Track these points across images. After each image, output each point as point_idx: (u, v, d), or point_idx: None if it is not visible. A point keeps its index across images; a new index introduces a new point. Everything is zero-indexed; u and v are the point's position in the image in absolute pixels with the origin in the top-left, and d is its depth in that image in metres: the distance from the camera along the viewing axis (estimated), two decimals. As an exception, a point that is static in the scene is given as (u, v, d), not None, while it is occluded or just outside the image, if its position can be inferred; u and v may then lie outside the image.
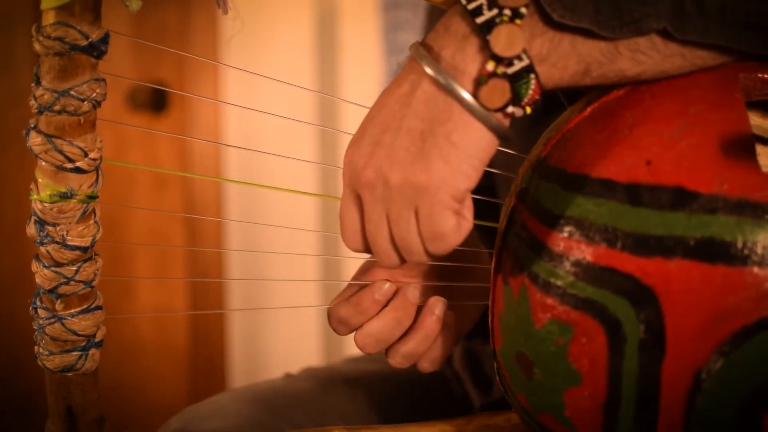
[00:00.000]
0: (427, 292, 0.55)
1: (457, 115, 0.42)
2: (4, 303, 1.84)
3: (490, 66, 0.41)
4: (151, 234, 1.92)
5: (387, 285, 0.52)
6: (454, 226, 0.44)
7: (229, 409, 0.69)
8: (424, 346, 0.53)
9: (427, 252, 0.46)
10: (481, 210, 0.63)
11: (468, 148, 0.42)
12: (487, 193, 0.66)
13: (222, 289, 1.93)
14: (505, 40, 0.41)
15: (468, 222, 0.45)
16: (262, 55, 1.81)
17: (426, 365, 0.55)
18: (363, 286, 0.54)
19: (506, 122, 0.43)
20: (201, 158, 1.89)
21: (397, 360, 0.54)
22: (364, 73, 1.81)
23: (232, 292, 1.93)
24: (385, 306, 0.53)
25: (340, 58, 1.83)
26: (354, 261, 0.56)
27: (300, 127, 1.71)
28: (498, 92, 0.42)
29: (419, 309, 0.53)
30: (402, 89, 0.44)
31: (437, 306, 0.53)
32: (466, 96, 0.42)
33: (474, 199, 0.46)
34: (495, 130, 0.43)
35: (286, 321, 1.88)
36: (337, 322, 0.53)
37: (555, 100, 0.50)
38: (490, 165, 0.45)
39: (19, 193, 1.83)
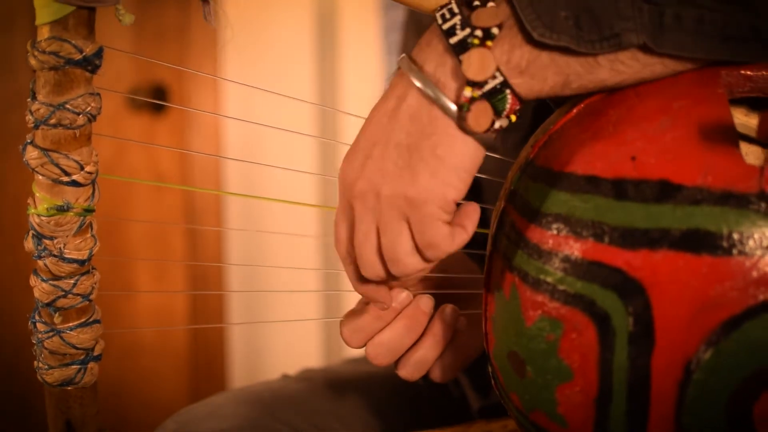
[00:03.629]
0: (441, 304, 0.55)
1: (441, 129, 0.43)
2: (1, 306, 1.84)
3: (468, 92, 0.42)
4: (150, 237, 1.91)
5: (404, 294, 0.52)
6: (446, 234, 0.45)
7: (226, 410, 0.69)
8: (433, 352, 0.53)
9: (423, 259, 0.46)
10: None
11: (453, 161, 0.44)
12: (473, 199, 0.66)
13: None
14: (476, 65, 0.42)
15: (467, 233, 0.46)
16: (261, 56, 1.81)
17: (437, 374, 0.55)
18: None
19: (492, 134, 0.44)
20: (201, 160, 1.89)
21: (408, 370, 0.53)
22: (364, 74, 1.80)
23: (232, 295, 1.93)
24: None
25: (340, 58, 1.83)
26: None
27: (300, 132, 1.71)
28: (483, 115, 0.43)
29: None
30: (389, 103, 0.45)
31: (447, 313, 0.53)
32: (452, 107, 0.43)
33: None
34: (480, 141, 0.44)
35: (286, 322, 1.88)
36: (350, 332, 0.53)
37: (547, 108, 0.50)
38: (478, 171, 0.46)
39: (19, 195, 1.82)
